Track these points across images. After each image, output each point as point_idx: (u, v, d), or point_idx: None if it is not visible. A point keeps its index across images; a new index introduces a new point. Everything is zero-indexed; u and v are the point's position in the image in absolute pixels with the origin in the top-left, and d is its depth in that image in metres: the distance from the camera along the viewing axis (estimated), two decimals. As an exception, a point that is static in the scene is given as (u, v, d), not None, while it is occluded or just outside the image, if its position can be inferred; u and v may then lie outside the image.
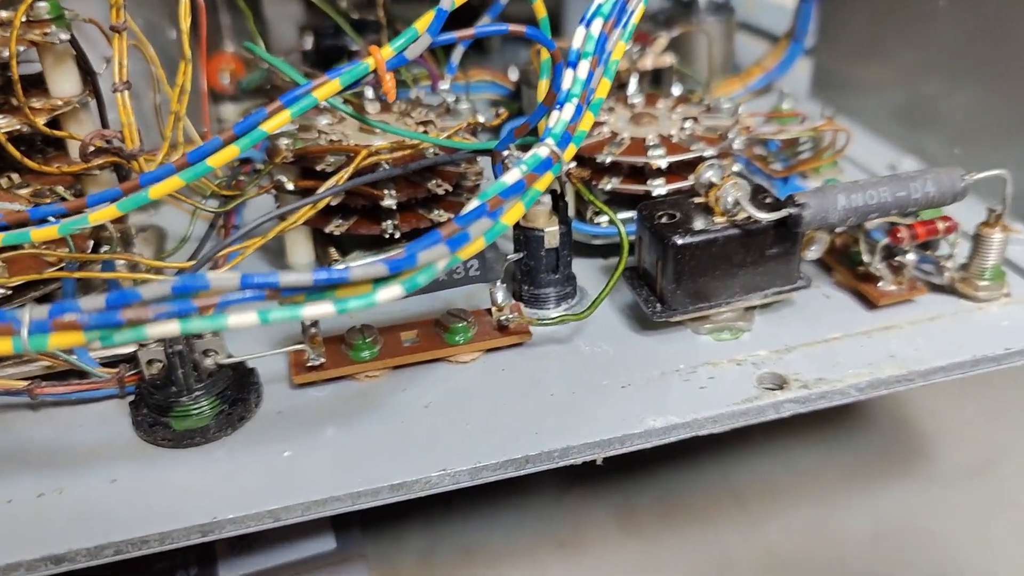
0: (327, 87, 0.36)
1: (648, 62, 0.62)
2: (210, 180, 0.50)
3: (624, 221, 0.48)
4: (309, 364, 0.43)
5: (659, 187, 0.51)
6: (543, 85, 0.47)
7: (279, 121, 0.36)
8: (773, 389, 0.43)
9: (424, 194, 0.48)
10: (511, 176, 0.36)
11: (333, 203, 0.46)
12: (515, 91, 0.69)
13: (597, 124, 0.55)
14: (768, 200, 0.45)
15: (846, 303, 0.49)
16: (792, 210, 0.44)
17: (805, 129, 0.54)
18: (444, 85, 0.54)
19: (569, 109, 0.39)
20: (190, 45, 0.44)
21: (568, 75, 0.41)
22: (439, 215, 0.49)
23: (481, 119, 0.51)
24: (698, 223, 0.45)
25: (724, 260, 0.45)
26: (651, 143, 0.52)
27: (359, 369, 0.43)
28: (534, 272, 0.48)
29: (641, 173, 0.52)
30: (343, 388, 0.43)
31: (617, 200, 0.52)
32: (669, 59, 0.62)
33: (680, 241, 0.44)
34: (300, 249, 0.51)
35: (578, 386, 0.43)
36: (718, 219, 0.45)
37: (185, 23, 0.43)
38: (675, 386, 0.43)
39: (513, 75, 0.69)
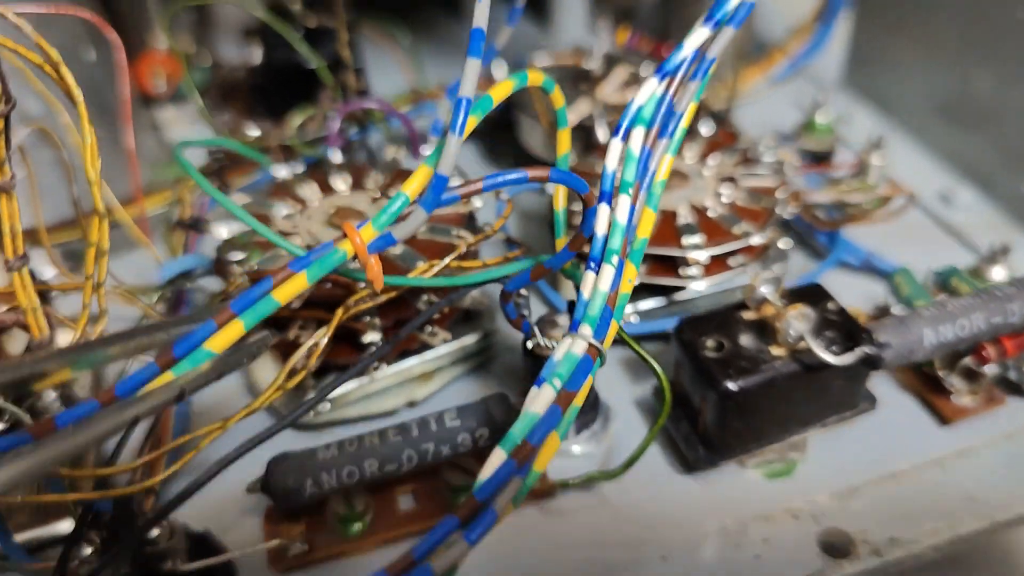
0: (292, 284, 0.27)
1: None
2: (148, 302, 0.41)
3: (649, 313, 0.40)
4: (292, 554, 0.35)
5: (695, 281, 0.43)
6: (561, 198, 0.37)
7: (230, 335, 0.27)
8: (839, 557, 0.36)
9: (414, 314, 0.39)
10: (542, 400, 0.27)
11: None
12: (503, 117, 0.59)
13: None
14: (838, 334, 0.37)
15: (912, 414, 0.42)
16: (870, 351, 0.36)
17: (866, 197, 0.45)
18: (427, 150, 0.44)
19: (608, 273, 0.31)
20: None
21: (603, 216, 0.32)
22: (432, 333, 0.40)
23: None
24: (751, 355, 0.37)
25: (782, 399, 0.37)
26: (684, 221, 0.43)
27: (351, 548, 0.36)
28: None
29: (672, 260, 0.43)
30: (335, 569, 0.36)
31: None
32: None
33: (733, 386, 0.36)
34: (266, 368, 0.43)
35: (609, 554, 0.36)
36: (776, 351, 0.37)
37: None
38: (726, 556, 0.36)
39: (499, 78, 0.59)
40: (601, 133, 0.50)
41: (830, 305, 0.39)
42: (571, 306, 0.38)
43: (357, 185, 0.44)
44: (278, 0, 0.56)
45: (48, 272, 0.46)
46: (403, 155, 0.46)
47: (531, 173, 0.30)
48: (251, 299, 0.27)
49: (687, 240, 0.42)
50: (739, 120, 0.59)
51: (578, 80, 0.55)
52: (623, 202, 0.32)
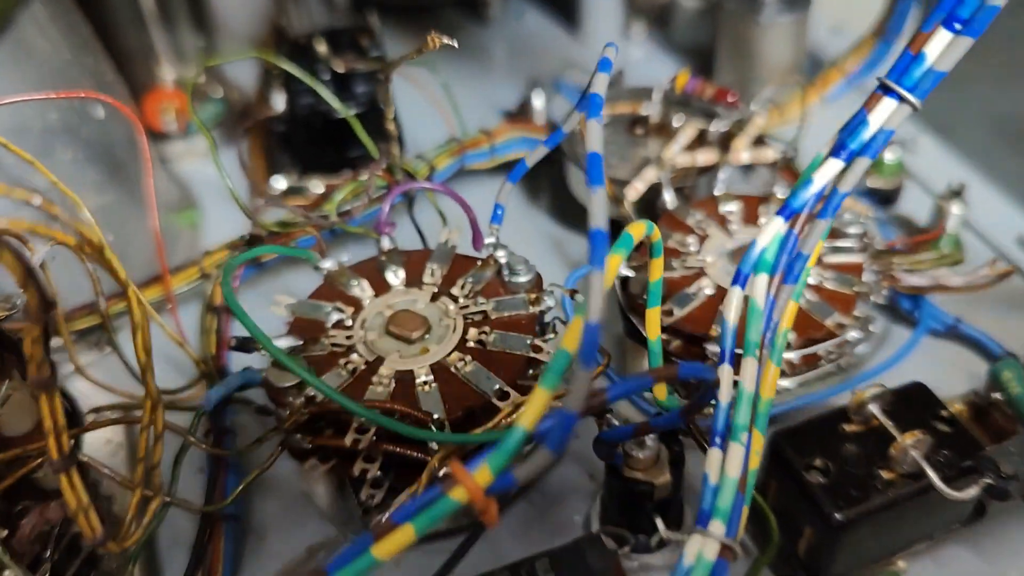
0: (395, 538, 0.23)
1: (743, 155, 0.48)
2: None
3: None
4: None
5: (782, 379, 0.40)
6: (655, 323, 0.34)
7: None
8: None
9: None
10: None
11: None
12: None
13: (679, 254, 0.43)
14: (954, 454, 0.34)
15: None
16: (994, 482, 0.33)
17: (970, 282, 0.41)
18: (489, 239, 0.40)
19: (737, 454, 0.27)
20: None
21: (726, 382, 0.28)
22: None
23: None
24: (861, 479, 0.34)
25: (893, 522, 0.35)
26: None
27: None
28: (633, 527, 0.37)
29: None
30: None
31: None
32: (772, 153, 0.48)
33: (843, 519, 0.34)
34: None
35: None
36: (887, 475, 0.34)
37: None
38: None
39: (539, 108, 0.54)
40: (668, 199, 0.46)
41: (941, 413, 0.36)
42: (657, 415, 0.35)
43: (412, 277, 0.40)
44: (302, 42, 0.51)
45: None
46: (457, 237, 0.42)
47: (656, 375, 0.26)
48: (348, 558, 0.24)
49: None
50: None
51: (634, 126, 0.51)
52: (749, 367, 0.28)
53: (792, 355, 0.39)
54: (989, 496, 0.34)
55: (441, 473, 0.32)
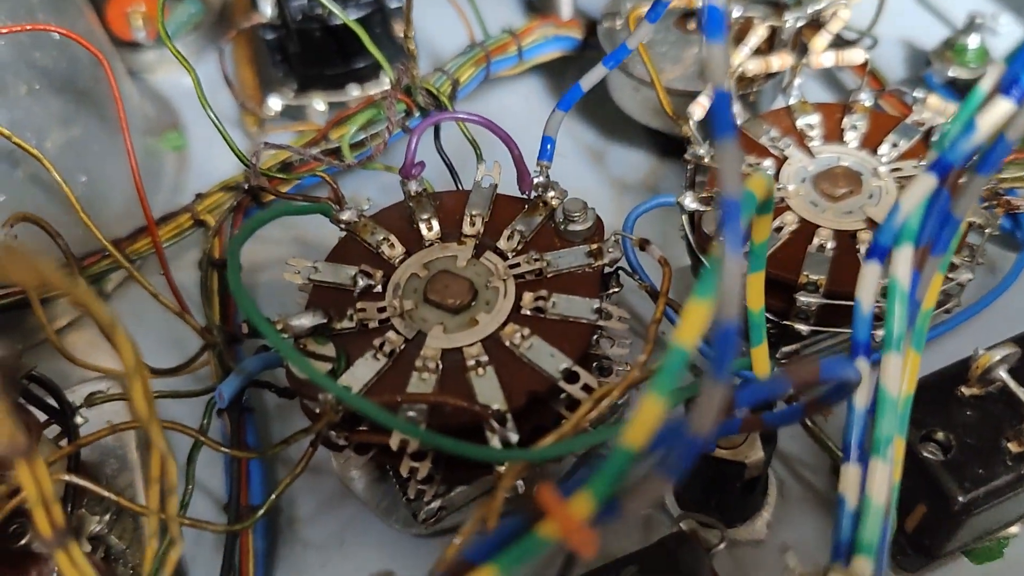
0: None
1: (824, 58, 0.40)
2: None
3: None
4: None
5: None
6: (758, 292, 0.28)
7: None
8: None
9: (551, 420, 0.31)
10: None
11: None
12: (585, 39, 0.47)
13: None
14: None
15: None
16: None
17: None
18: (538, 178, 0.33)
19: (882, 475, 0.22)
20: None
21: (865, 386, 0.23)
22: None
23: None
24: (985, 454, 0.30)
25: (1012, 503, 0.31)
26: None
27: None
28: (723, 505, 0.33)
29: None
30: None
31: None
32: (861, 54, 0.40)
33: (967, 499, 0.29)
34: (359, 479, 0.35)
35: None
36: (1015, 448, 0.30)
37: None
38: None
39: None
40: (737, 111, 0.39)
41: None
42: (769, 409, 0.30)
43: (449, 228, 0.34)
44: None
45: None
46: (499, 173, 0.35)
47: (795, 376, 0.21)
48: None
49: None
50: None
51: (685, 20, 0.44)
52: (892, 364, 0.23)
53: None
54: None
55: (519, 489, 0.27)
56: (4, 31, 0.34)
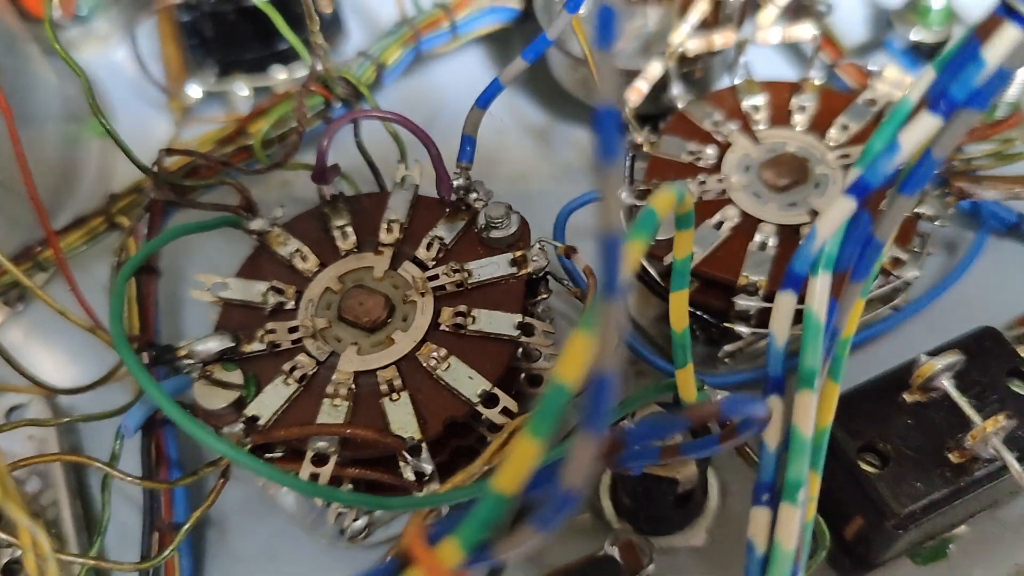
0: None
1: (771, 34, 0.38)
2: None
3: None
4: None
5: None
6: (682, 311, 0.26)
7: None
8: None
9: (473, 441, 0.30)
10: None
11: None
12: (525, 9, 0.44)
13: (696, 170, 0.35)
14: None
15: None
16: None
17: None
18: (458, 180, 0.31)
19: (791, 519, 0.21)
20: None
21: (775, 426, 0.22)
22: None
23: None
24: (924, 468, 0.29)
25: (959, 508, 0.30)
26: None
27: None
28: (657, 517, 0.32)
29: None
30: None
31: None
32: (810, 29, 0.38)
33: (900, 514, 0.28)
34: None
35: None
36: (955, 458, 0.29)
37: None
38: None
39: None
40: (677, 92, 0.37)
41: (1020, 368, 0.30)
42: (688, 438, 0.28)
43: (365, 235, 0.32)
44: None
45: None
46: (419, 174, 0.33)
47: (693, 415, 0.20)
48: None
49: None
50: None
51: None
52: (805, 403, 0.21)
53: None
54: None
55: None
56: None
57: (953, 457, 0.29)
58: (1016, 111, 0.36)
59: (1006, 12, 0.20)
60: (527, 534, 0.17)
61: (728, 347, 0.34)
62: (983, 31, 0.20)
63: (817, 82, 0.36)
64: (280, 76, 0.43)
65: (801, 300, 0.22)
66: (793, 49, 0.46)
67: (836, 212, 0.21)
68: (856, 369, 0.31)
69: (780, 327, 0.22)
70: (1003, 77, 0.20)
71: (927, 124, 0.21)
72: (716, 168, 0.35)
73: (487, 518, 0.16)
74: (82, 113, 0.48)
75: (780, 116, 0.36)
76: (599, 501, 0.34)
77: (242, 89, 0.43)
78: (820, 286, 0.22)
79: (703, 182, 0.34)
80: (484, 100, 0.31)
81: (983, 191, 0.33)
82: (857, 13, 0.48)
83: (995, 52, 0.20)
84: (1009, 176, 0.35)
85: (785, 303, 0.22)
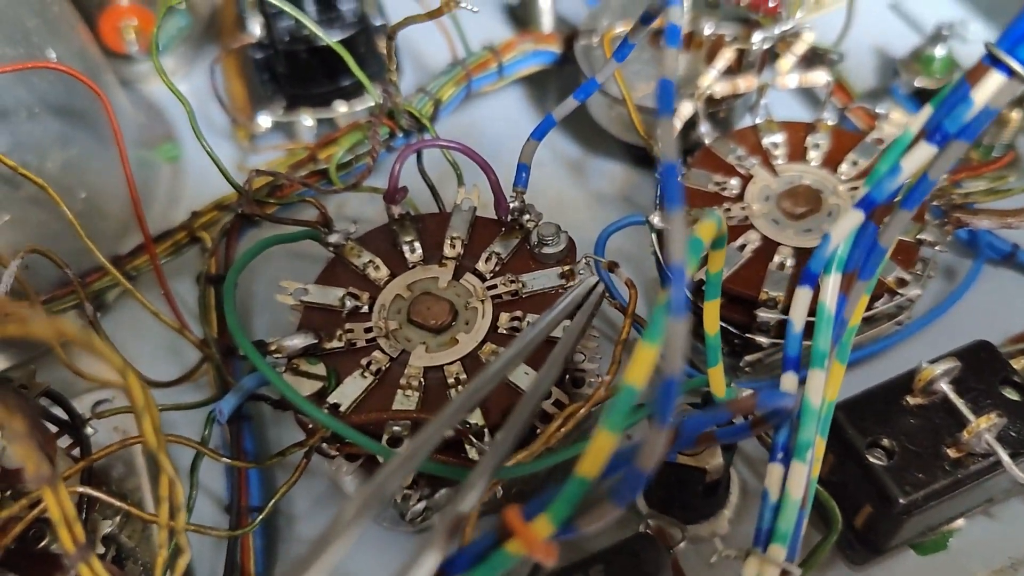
0: None
1: (789, 79, 0.42)
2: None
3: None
4: None
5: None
6: (714, 316, 0.30)
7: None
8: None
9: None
10: None
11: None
12: (564, 53, 0.49)
13: (721, 200, 0.39)
14: (1025, 428, 0.32)
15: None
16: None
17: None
18: (514, 202, 0.35)
19: (800, 473, 0.25)
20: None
21: (790, 393, 0.25)
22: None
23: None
24: (926, 460, 0.32)
25: (957, 498, 0.33)
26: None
27: None
28: (686, 505, 0.36)
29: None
30: None
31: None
32: (824, 76, 0.42)
33: (908, 502, 0.32)
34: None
35: None
36: (954, 453, 0.32)
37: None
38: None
39: (545, 6, 0.48)
40: (705, 131, 0.41)
41: (1013, 379, 0.34)
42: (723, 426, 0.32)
43: (431, 250, 0.37)
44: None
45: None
46: (477, 197, 0.37)
47: (733, 407, 0.23)
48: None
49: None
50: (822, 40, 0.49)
51: (658, 36, 0.45)
52: (816, 380, 0.25)
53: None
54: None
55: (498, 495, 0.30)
56: (4, 70, 0.36)
57: (951, 452, 0.33)
58: (1009, 151, 0.40)
59: (991, 61, 0.24)
60: (607, 509, 0.20)
61: (748, 357, 0.38)
62: (972, 76, 0.24)
63: (830, 123, 0.41)
64: (341, 109, 0.48)
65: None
66: (808, 93, 0.51)
67: (847, 222, 0.25)
68: (865, 378, 0.35)
69: (798, 314, 0.26)
70: (988, 115, 0.24)
71: (924, 152, 0.25)
72: (739, 198, 0.39)
73: (574, 497, 0.20)
74: (153, 140, 0.53)
75: (797, 152, 0.41)
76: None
77: (308, 120, 0.48)
78: (832, 283, 0.26)
79: (728, 209, 0.39)
80: (539, 133, 0.35)
81: (978, 221, 0.37)
82: (866, 62, 0.53)
83: (982, 94, 0.24)
84: (1002, 209, 0.39)
85: (802, 296, 0.26)
